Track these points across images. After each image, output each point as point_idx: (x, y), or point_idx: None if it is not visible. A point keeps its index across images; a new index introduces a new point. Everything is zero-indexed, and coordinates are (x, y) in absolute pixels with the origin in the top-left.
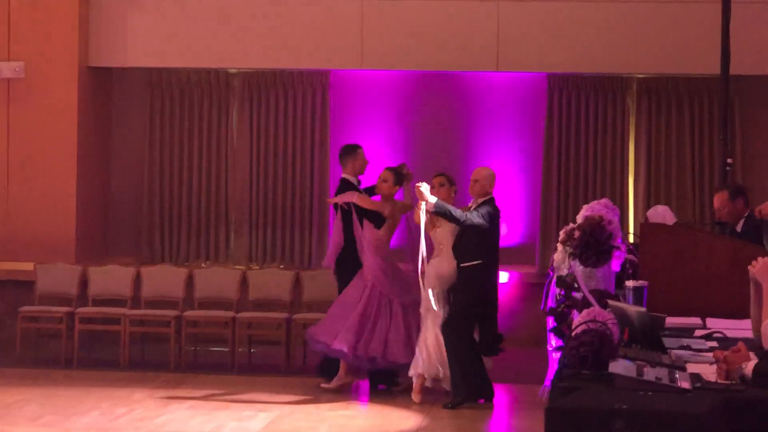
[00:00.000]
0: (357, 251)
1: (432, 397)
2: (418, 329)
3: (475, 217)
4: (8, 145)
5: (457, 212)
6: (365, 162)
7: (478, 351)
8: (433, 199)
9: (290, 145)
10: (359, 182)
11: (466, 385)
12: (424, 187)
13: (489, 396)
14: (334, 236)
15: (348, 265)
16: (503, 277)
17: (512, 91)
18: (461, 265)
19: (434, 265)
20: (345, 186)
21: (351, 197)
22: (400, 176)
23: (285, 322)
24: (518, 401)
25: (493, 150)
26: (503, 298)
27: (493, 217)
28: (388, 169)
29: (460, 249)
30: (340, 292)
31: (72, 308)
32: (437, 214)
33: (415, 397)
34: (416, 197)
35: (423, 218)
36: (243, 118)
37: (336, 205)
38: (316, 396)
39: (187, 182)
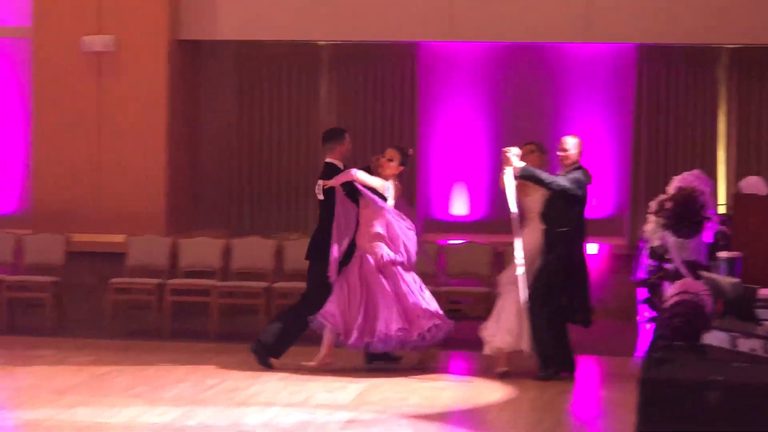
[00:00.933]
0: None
1: (519, 369)
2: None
3: (563, 181)
4: (99, 119)
5: (544, 175)
6: (350, 147)
7: (568, 321)
8: (519, 164)
9: (378, 117)
10: (345, 167)
11: (552, 357)
12: (513, 152)
13: (571, 369)
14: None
15: (327, 251)
16: (593, 248)
17: (601, 62)
18: (550, 231)
19: (525, 235)
20: (332, 170)
21: (352, 176)
22: (406, 157)
23: None
24: (606, 374)
25: (582, 121)
26: (592, 269)
27: (582, 185)
28: (395, 148)
29: (547, 215)
30: (314, 280)
31: (162, 280)
32: (523, 177)
33: (500, 369)
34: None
35: (509, 184)
36: (331, 90)
37: (328, 188)
38: (405, 367)
39: (275, 154)
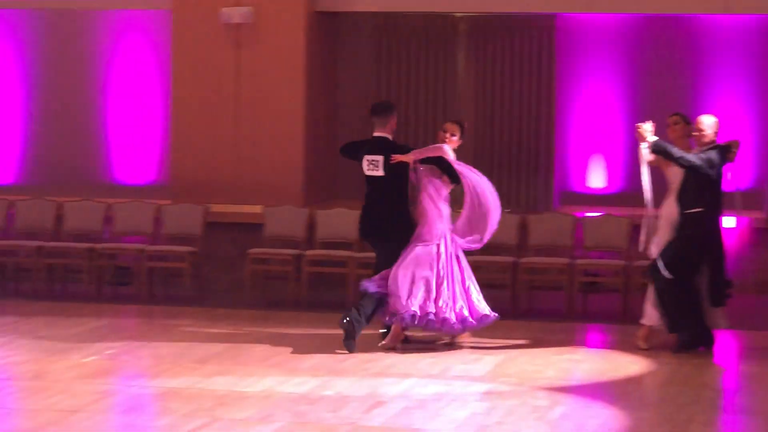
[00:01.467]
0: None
1: (659, 342)
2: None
3: (693, 158)
4: (237, 90)
5: (675, 150)
6: (396, 122)
7: (703, 299)
8: (652, 138)
9: (516, 89)
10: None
11: (688, 330)
12: (646, 127)
13: (709, 344)
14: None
15: (404, 229)
16: (730, 222)
17: (742, 33)
18: (683, 212)
19: (665, 207)
20: (389, 145)
21: (445, 152)
22: (464, 130)
23: (511, 266)
24: (744, 348)
25: (722, 94)
26: (730, 243)
27: (714, 164)
28: (454, 122)
29: (681, 195)
30: (387, 258)
31: (300, 251)
32: (655, 152)
33: (642, 342)
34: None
35: (643, 159)
36: (468, 62)
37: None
38: (542, 339)
39: (412, 126)
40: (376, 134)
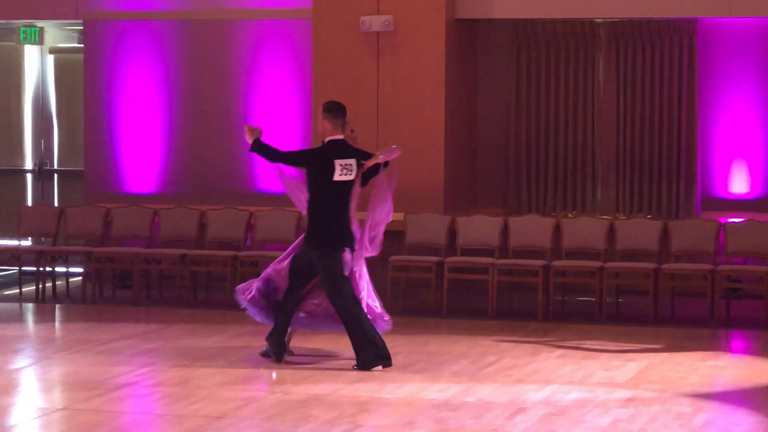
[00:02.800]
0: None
1: None
2: None
3: None
4: (378, 98)
5: None
6: None
7: None
8: None
9: (656, 94)
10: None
11: None
12: None
13: None
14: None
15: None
16: None
17: None
18: None
19: None
20: (354, 149)
21: (397, 154)
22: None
23: (653, 272)
24: None
25: None
26: None
27: None
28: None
29: None
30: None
31: (441, 258)
32: None
33: None
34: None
35: None
36: (609, 68)
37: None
38: (685, 346)
39: (553, 132)
40: (339, 137)
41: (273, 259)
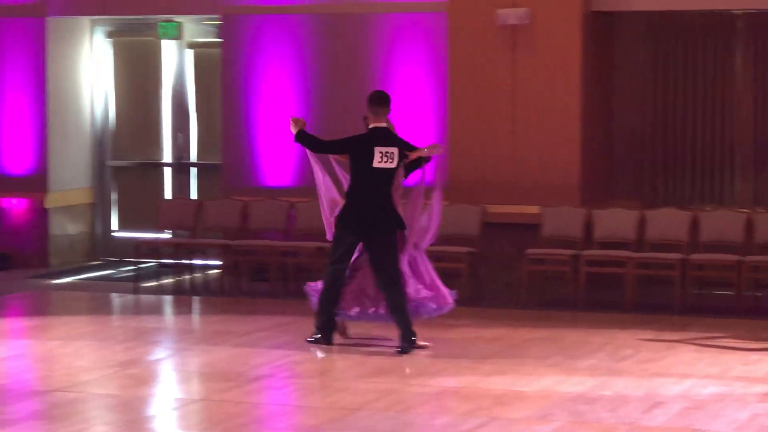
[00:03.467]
0: None
1: None
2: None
3: None
4: (513, 91)
5: None
6: None
7: None
8: None
9: None
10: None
11: None
12: None
13: None
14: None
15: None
16: None
17: None
18: None
19: None
20: (395, 137)
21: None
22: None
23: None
24: None
25: None
26: None
27: None
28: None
29: None
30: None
31: (577, 251)
32: None
33: None
34: None
35: None
36: (747, 60)
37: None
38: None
39: (690, 125)
40: (379, 125)
41: None
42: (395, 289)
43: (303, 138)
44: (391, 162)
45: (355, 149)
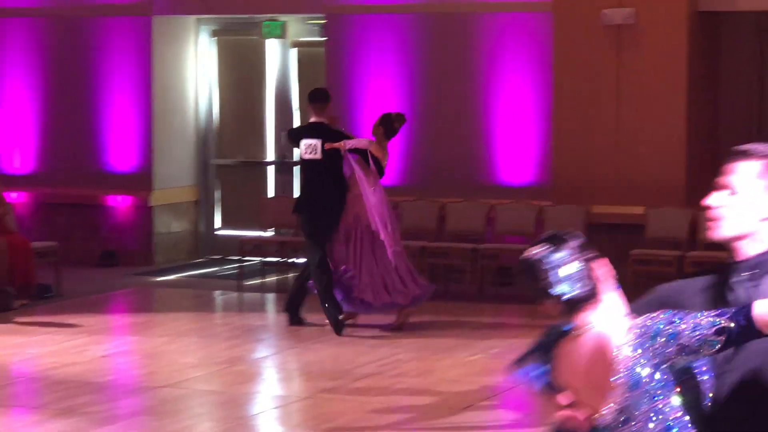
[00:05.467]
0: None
1: None
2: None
3: None
4: (618, 91)
5: None
6: None
7: None
8: None
9: None
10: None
11: None
12: None
13: None
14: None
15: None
16: None
17: None
18: None
19: None
20: (330, 131)
21: (367, 144)
22: (388, 129)
23: None
24: None
25: None
26: None
27: None
28: (378, 122)
29: None
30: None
31: (682, 252)
32: None
33: None
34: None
35: None
36: None
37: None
38: None
39: None
40: (317, 120)
41: (513, 251)
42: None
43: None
44: (315, 153)
45: (292, 140)
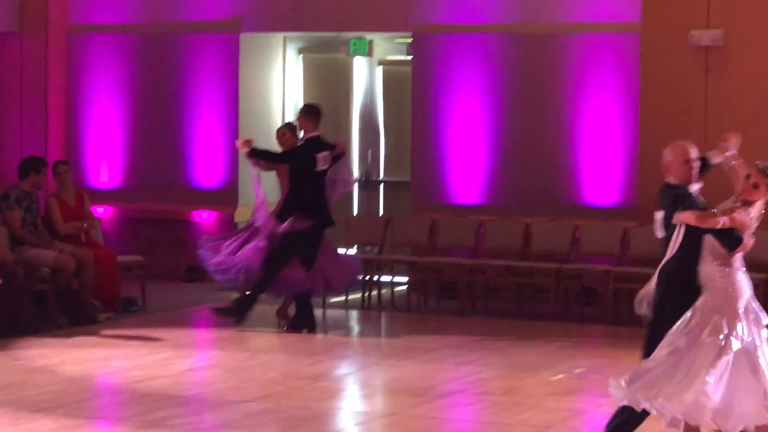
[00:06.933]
0: None
1: None
2: None
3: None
4: (706, 113)
5: None
6: None
7: None
8: None
9: None
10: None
11: None
12: None
13: None
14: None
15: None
16: None
17: None
18: None
19: None
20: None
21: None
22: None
23: None
24: None
25: None
26: None
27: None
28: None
29: None
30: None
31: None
32: None
33: None
34: None
35: None
36: None
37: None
38: None
39: None
40: (317, 134)
41: (597, 272)
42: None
43: (255, 153)
44: (325, 164)
45: (309, 156)
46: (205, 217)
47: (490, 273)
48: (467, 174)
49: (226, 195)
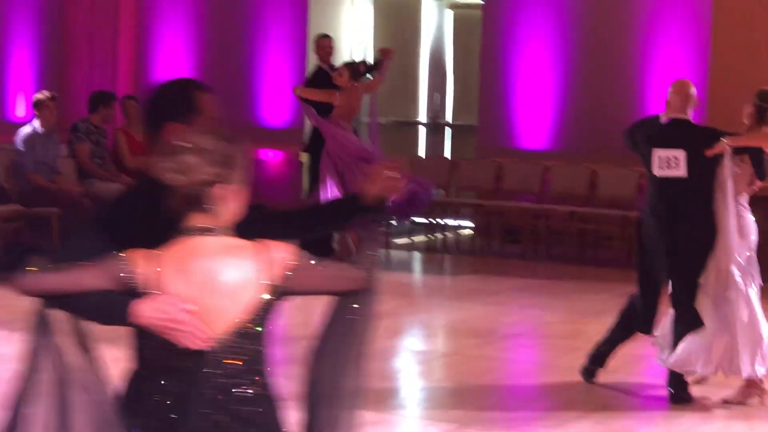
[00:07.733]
0: None
1: None
2: None
3: None
4: None
5: None
6: None
7: None
8: None
9: None
10: None
11: None
12: None
13: None
14: None
15: None
16: None
17: None
18: None
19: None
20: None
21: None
22: (354, 71)
23: None
24: None
25: None
26: None
27: None
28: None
29: None
30: None
31: None
32: None
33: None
34: None
35: None
36: None
37: None
38: None
39: None
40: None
41: None
42: None
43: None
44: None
45: None
46: (271, 156)
47: (554, 218)
48: (534, 118)
49: (292, 134)
